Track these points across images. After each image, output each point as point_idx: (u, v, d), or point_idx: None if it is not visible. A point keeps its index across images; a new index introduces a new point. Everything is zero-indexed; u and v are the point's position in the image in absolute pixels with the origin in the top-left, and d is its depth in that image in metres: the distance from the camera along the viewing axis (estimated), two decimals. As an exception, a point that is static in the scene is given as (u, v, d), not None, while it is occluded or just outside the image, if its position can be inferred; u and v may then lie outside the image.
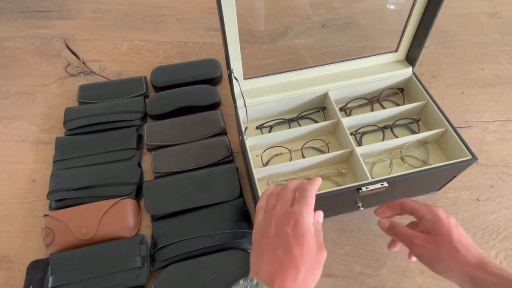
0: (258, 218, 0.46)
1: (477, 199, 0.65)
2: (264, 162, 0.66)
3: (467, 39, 0.92)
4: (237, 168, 0.67)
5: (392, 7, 0.74)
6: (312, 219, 0.43)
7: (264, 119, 0.71)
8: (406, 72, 0.70)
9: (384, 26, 0.82)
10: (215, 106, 0.78)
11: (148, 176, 0.70)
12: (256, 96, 0.65)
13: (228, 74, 0.59)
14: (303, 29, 0.91)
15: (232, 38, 0.55)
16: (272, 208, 0.44)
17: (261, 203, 0.47)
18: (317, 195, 0.53)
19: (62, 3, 1.06)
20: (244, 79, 0.64)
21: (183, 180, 0.65)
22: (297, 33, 0.90)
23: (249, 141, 0.63)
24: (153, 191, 0.64)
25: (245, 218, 0.62)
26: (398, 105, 0.72)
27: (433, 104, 0.65)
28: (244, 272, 0.50)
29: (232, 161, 0.70)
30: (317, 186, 0.46)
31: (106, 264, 0.57)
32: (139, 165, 0.70)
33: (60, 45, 0.95)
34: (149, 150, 0.72)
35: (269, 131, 0.70)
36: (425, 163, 0.64)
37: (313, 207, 0.43)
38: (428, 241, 0.45)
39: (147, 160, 0.71)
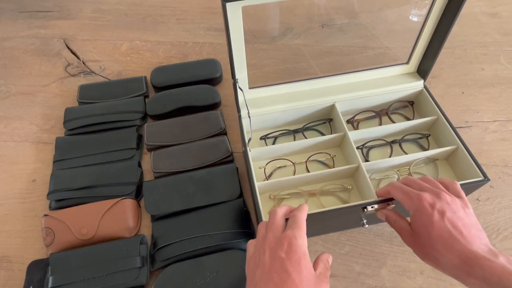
0: (249, 251, 0.44)
1: (477, 199, 0.65)
2: (267, 175, 0.65)
3: (467, 39, 0.92)
4: (237, 168, 0.67)
5: (415, 19, 0.72)
6: (306, 243, 0.40)
7: (268, 129, 0.69)
8: (417, 85, 0.68)
9: (384, 26, 0.82)
10: (215, 106, 0.78)
11: (148, 176, 0.70)
12: (261, 106, 0.64)
13: (233, 84, 0.58)
14: (303, 29, 0.91)
15: (237, 48, 0.54)
16: (263, 237, 0.42)
17: (253, 240, 0.45)
18: (321, 212, 0.51)
19: (62, 3, 1.06)
20: (249, 88, 0.63)
21: (183, 180, 0.65)
22: (297, 33, 0.90)
23: (252, 153, 0.61)
24: (153, 191, 0.64)
25: (245, 218, 0.62)
26: (407, 118, 0.70)
27: (444, 120, 0.63)
28: (244, 272, 0.50)
29: (232, 161, 0.70)
30: (305, 212, 0.44)
31: (106, 264, 0.57)
32: (139, 165, 0.70)
33: (60, 45, 0.95)
34: (149, 150, 0.72)
35: (273, 142, 0.69)
36: None
37: (305, 231, 0.42)
38: (412, 240, 0.44)
39: (147, 160, 0.71)
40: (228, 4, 0.46)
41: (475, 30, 0.94)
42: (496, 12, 0.98)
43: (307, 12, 0.90)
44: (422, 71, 0.68)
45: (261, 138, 0.69)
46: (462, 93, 0.81)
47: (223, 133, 0.73)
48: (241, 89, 0.59)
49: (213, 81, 0.83)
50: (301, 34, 0.90)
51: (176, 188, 0.64)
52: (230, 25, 0.49)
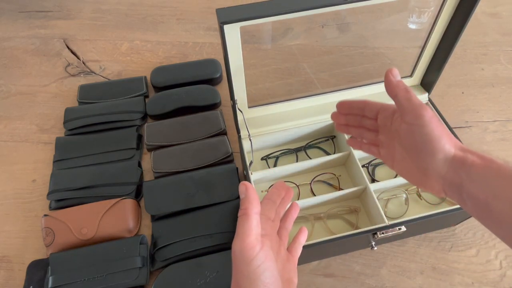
0: None
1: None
2: None
3: (467, 39, 0.92)
4: (237, 168, 0.67)
5: (413, 26, 0.70)
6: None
7: (269, 149, 0.68)
8: (421, 98, 0.66)
9: (385, 26, 0.82)
10: (215, 106, 0.78)
11: (148, 176, 0.70)
12: (261, 126, 0.63)
13: (232, 106, 0.57)
14: (303, 29, 0.91)
15: (236, 69, 0.52)
16: None
17: None
18: (331, 240, 0.50)
19: (62, 3, 1.06)
20: (249, 107, 0.62)
21: (183, 180, 0.65)
22: (297, 33, 0.90)
23: (254, 176, 0.60)
24: (153, 191, 0.64)
25: (245, 218, 0.62)
26: None
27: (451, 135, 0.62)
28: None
29: (232, 161, 0.70)
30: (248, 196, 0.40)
31: (106, 264, 0.57)
32: (139, 165, 0.70)
33: (60, 45, 0.95)
34: (149, 150, 0.72)
35: (275, 162, 0.67)
36: (443, 199, 0.61)
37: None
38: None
39: (147, 160, 0.71)
40: (225, 26, 0.44)
41: (475, 30, 0.94)
42: (496, 12, 0.98)
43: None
44: (427, 83, 0.66)
45: (262, 159, 0.67)
46: (462, 93, 0.81)
47: (223, 133, 0.73)
48: (240, 111, 0.57)
49: (213, 81, 0.83)
50: (301, 34, 0.90)
51: (176, 188, 0.64)
52: (228, 46, 0.47)
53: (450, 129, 0.63)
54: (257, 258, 0.37)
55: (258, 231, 0.39)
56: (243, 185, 0.40)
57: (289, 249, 0.47)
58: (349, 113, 0.47)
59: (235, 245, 0.37)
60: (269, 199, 0.44)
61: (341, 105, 0.47)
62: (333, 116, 0.48)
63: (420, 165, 0.37)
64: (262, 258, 0.37)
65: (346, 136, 0.63)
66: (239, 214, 0.39)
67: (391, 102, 0.41)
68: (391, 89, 0.40)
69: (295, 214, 0.49)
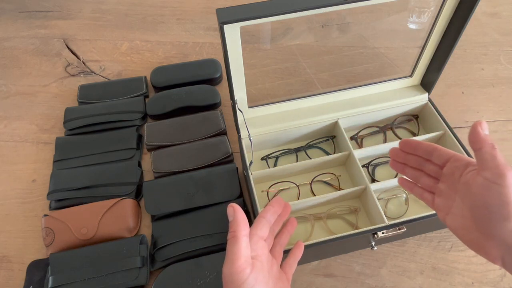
0: None
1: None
2: (271, 199, 0.63)
3: (467, 39, 0.92)
4: (237, 168, 0.67)
5: (413, 26, 0.70)
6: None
7: (269, 148, 0.68)
8: (421, 98, 0.66)
9: (385, 26, 0.82)
10: (215, 106, 0.78)
11: (148, 176, 0.70)
12: (261, 126, 0.63)
13: (232, 106, 0.57)
14: (303, 29, 0.91)
15: (236, 68, 0.52)
16: None
17: None
18: (331, 240, 0.50)
19: (62, 3, 1.06)
20: (249, 107, 0.62)
21: (183, 180, 0.65)
22: (297, 33, 0.90)
23: (254, 175, 0.60)
24: (153, 191, 0.64)
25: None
26: (412, 132, 0.69)
27: (451, 135, 0.62)
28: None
29: (232, 161, 0.70)
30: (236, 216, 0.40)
31: (106, 264, 0.57)
32: (139, 165, 0.70)
33: (60, 45, 0.95)
34: (149, 150, 0.72)
35: (275, 162, 0.67)
36: None
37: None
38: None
39: (147, 160, 0.71)
40: (225, 26, 0.44)
41: (475, 30, 0.94)
42: (496, 12, 0.98)
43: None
44: (427, 83, 0.66)
45: (262, 159, 0.67)
46: (462, 93, 0.81)
47: (223, 133, 0.73)
48: (240, 111, 0.57)
49: (213, 81, 0.83)
50: (301, 34, 0.90)
51: (176, 188, 0.64)
52: (228, 46, 0.47)
53: (450, 129, 0.63)
54: (247, 282, 0.37)
55: (248, 254, 0.38)
56: (230, 207, 0.40)
57: (283, 265, 0.46)
58: (412, 153, 0.44)
59: (225, 268, 0.37)
60: (263, 218, 0.43)
61: (406, 143, 0.44)
62: (392, 152, 0.45)
63: (485, 227, 0.35)
64: (252, 281, 0.37)
65: (347, 138, 0.63)
66: (228, 237, 0.39)
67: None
68: (476, 141, 0.36)
69: (292, 229, 0.49)
